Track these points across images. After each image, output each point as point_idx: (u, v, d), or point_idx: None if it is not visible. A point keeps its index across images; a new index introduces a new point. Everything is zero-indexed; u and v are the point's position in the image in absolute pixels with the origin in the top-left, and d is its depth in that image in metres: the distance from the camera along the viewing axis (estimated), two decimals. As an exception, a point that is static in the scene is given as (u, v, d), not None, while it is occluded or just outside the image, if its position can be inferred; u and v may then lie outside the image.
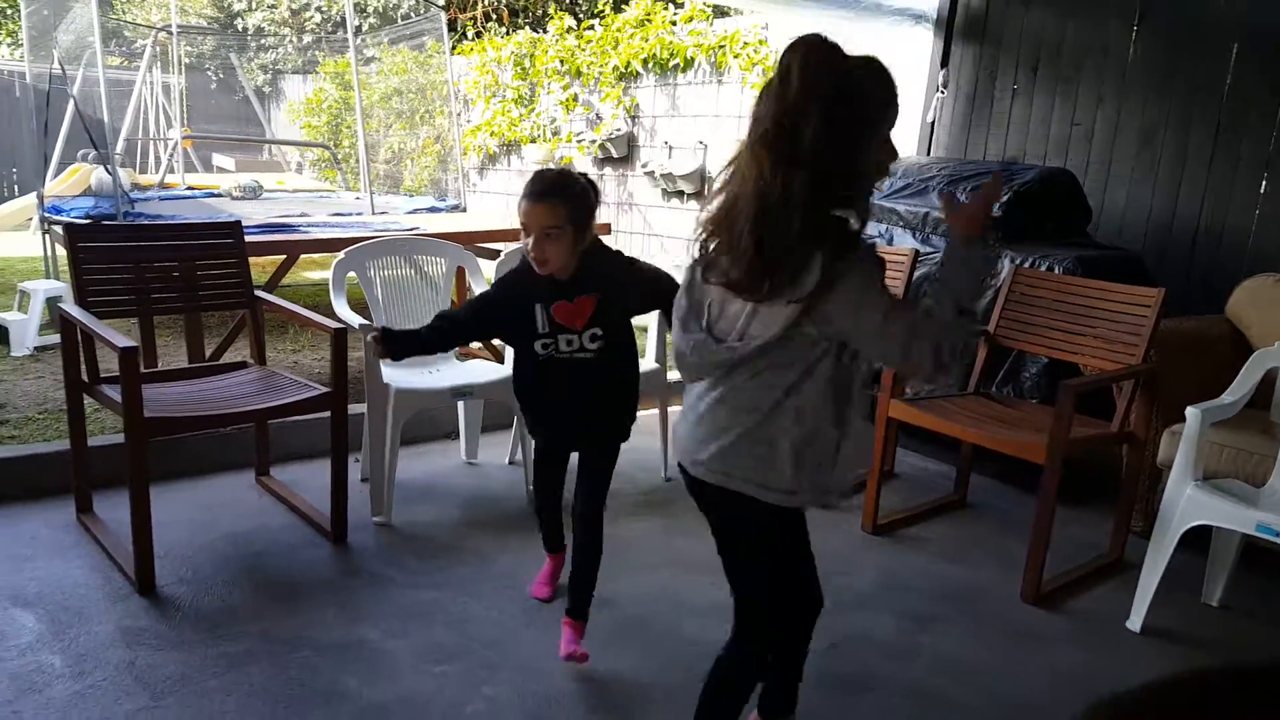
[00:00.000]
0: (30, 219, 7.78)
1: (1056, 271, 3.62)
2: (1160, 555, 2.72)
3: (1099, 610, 2.92)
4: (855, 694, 2.41)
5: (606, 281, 2.30)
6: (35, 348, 4.78)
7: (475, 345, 4.96)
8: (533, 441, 2.70)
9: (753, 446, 1.66)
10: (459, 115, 8.60)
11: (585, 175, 2.31)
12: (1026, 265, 3.70)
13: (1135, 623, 2.79)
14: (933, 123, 5.16)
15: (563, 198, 2.18)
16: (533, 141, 8.27)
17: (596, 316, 2.28)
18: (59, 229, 5.05)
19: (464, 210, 6.80)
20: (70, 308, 2.96)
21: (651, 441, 3.86)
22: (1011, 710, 2.39)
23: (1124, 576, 3.08)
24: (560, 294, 2.27)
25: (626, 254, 2.44)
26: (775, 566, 1.84)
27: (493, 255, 4.93)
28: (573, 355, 2.29)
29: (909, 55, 5.34)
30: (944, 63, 5.08)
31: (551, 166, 2.38)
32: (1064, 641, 2.73)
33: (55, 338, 4.76)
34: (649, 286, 2.36)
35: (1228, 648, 2.75)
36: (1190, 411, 2.72)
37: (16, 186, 11.05)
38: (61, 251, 5.31)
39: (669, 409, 3.78)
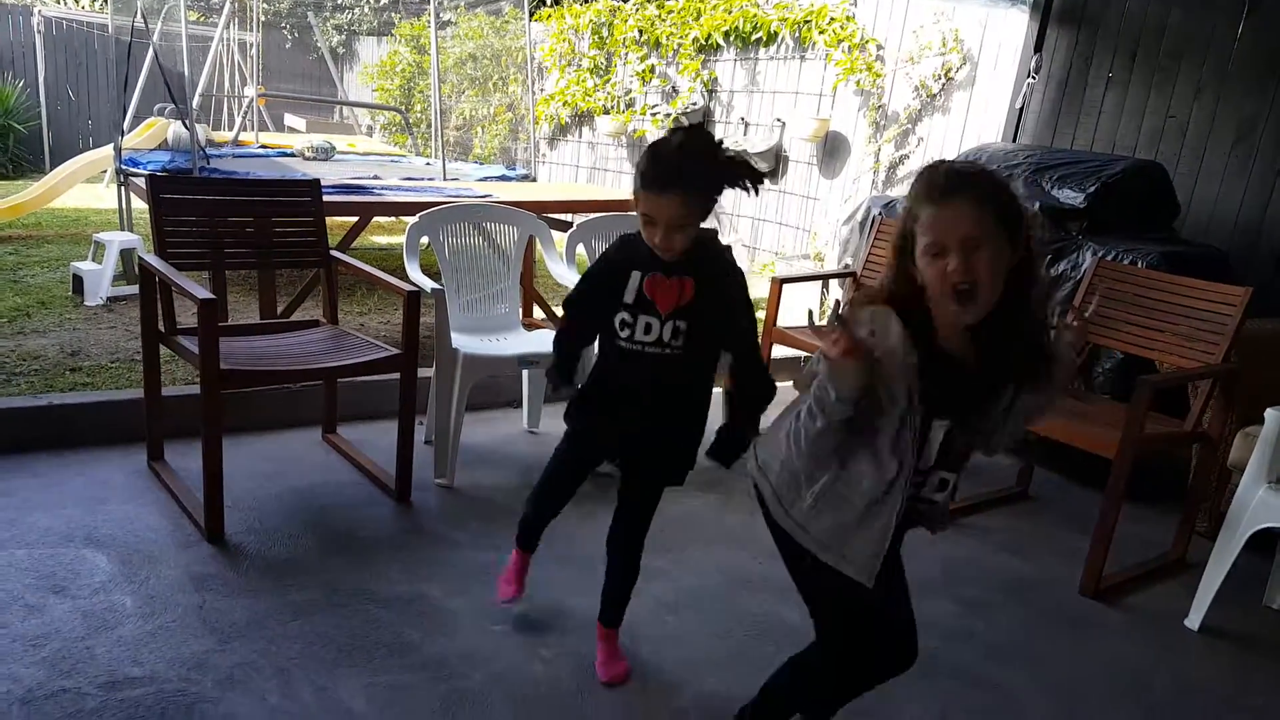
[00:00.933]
0: (104, 171, 7.92)
1: (1140, 266, 3.52)
2: (1225, 556, 2.72)
3: (1158, 607, 2.91)
4: (910, 674, 2.38)
5: (708, 272, 2.03)
6: (108, 298, 4.87)
7: (539, 316, 4.97)
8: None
9: (777, 448, 1.74)
10: (533, 84, 8.58)
11: (700, 132, 1.97)
12: (1110, 258, 3.61)
13: (1194, 621, 2.79)
14: (1021, 109, 5.03)
15: (690, 187, 1.92)
16: (606, 113, 8.21)
17: (688, 308, 2.01)
18: (138, 181, 5.15)
19: (534, 180, 6.79)
20: (150, 258, 3.01)
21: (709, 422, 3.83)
22: (1063, 699, 2.39)
23: (1186, 576, 3.07)
24: (659, 265, 2.01)
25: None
26: (823, 594, 1.78)
27: (563, 227, 4.93)
28: (645, 349, 2.02)
29: (1003, 38, 5.22)
30: (1038, 47, 4.94)
31: (671, 137, 2.04)
32: (1120, 635, 2.73)
33: (128, 289, 4.87)
34: (734, 314, 2.07)
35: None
36: (1270, 413, 2.70)
37: (91, 139, 11.29)
38: (137, 204, 5.41)
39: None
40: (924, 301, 1.56)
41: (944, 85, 5.55)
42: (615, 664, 2.29)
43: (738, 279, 2.09)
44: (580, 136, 8.86)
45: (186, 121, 5.53)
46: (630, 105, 8.04)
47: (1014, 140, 5.05)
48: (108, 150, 6.49)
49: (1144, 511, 3.51)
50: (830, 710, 1.97)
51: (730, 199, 7.25)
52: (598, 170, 8.68)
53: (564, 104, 8.65)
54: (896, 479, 1.60)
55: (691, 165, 1.93)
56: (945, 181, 1.52)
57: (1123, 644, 2.67)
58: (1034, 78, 4.95)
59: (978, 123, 5.36)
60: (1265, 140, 4.17)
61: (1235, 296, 3.15)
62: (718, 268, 2.06)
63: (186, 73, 6.23)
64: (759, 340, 2.16)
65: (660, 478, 2.23)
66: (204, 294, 2.58)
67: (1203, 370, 3.10)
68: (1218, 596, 2.74)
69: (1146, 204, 4.01)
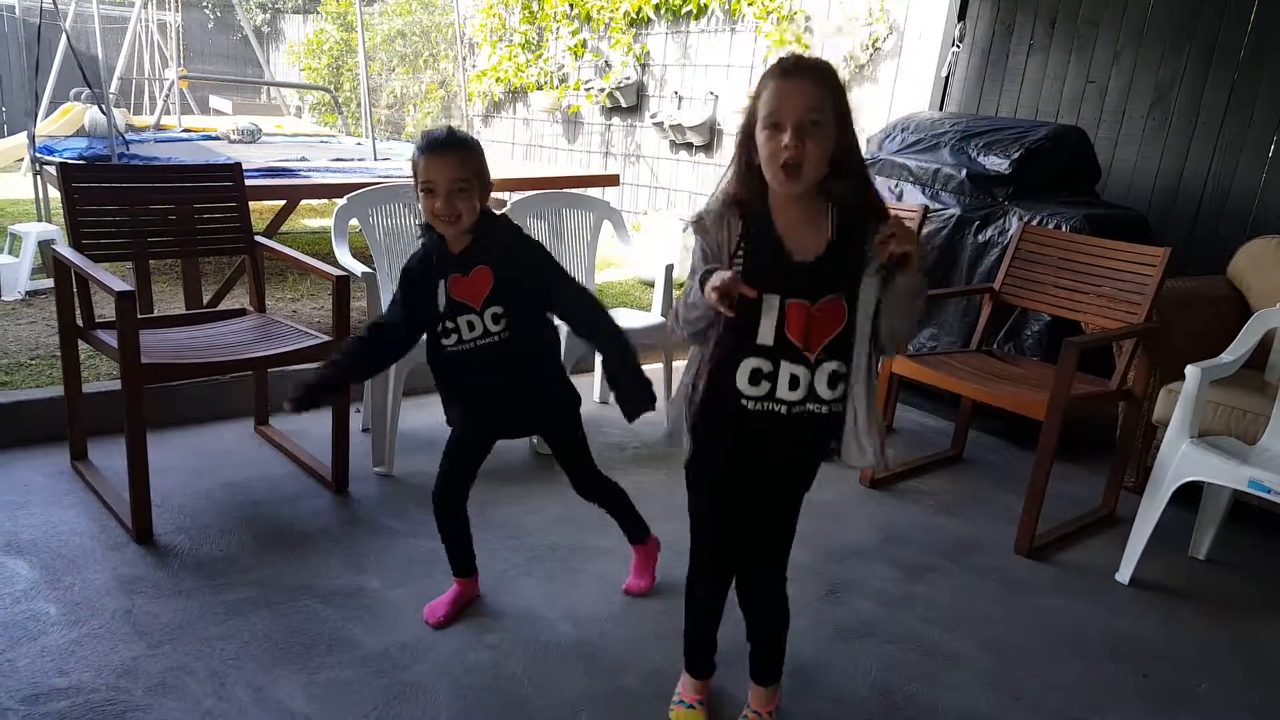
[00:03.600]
0: (20, 160, 7.63)
1: (1064, 229, 3.59)
2: (1152, 510, 2.79)
3: (1090, 562, 2.98)
4: (851, 640, 2.45)
5: (502, 254, 2.12)
6: (27, 292, 4.71)
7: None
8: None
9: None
10: (464, 60, 8.43)
11: None
12: (1035, 223, 3.67)
13: (1124, 575, 2.87)
14: (947, 77, 5.08)
15: (469, 149, 2.06)
16: (539, 88, 8.12)
17: (496, 293, 2.09)
18: (52, 169, 4.97)
19: (466, 158, 6.68)
20: (64, 250, 2.90)
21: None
22: (1002, 657, 2.43)
23: (1115, 531, 3.15)
24: (454, 267, 2.10)
25: (528, 234, 2.24)
26: (692, 502, 1.98)
27: (498, 206, 4.86)
28: (477, 343, 2.11)
29: (927, 7, 5.24)
30: (961, 15, 4.99)
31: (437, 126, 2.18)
32: (1054, 592, 2.80)
33: (48, 282, 4.70)
34: (550, 282, 2.16)
35: (1211, 600, 2.82)
36: (1190, 370, 2.77)
37: (5, 126, 10.84)
38: (54, 193, 5.22)
39: (674, 363, 3.76)
40: (763, 188, 1.70)
41: (871, 55, 5.58)
42: (640, 578, 2.59)
43: (531, 247, 2.18)
44: (515, 113, 8.75)
45: (103, 106, 5.34)
46: (563, 80, 7.95)
47: (940, 108, 5.10)
48: (22, 138, 6.25)
49: (1074, 469, 3.60)
50: (756, 671, 2.07)
51: (667, 173, 7.24)
52: (533, 147, 8.59)
53: (497, 80, 8.52)
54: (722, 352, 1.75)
55: (463, 134, 2.10)
56: (794, 63, 1.64)
57: (1057, 601, 2.74)
58: (958, 46, 5.00)
59: (905, 92, 5.40)
60: (1180, 103, 4.26)
61: (1155, 257, 3.22)
62: (508, 243, 2.15)
63: (100, 55, 6.02)
64: (584, 288, 2.23)
65: (563, 431, 2.36)
66: (120, 286, 2.50)
67: (1126, 330, 3.17)
68: (1146, 550, 2.81)
69: (1069, 168, 4.08)
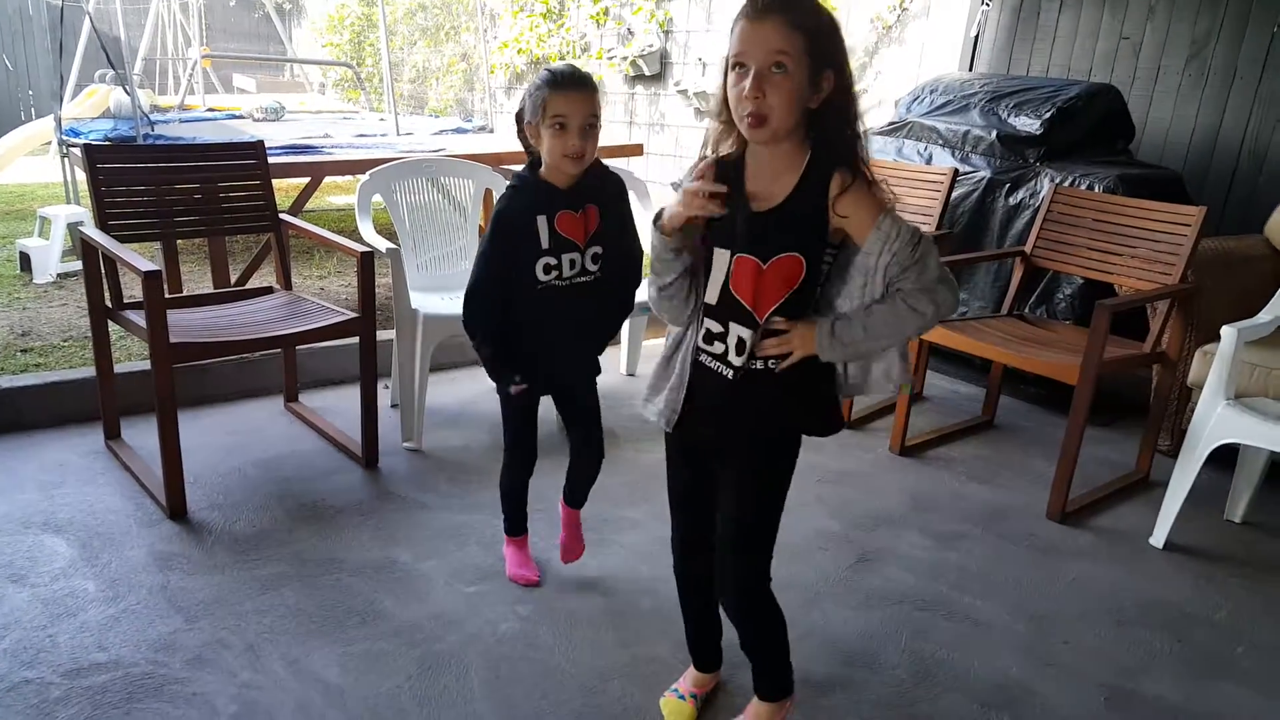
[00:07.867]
0: (48, 143, 7.68)
1: (1097, 190, 3.52)
2: (1187, 473, 2.75)
3: (1123, 527, 2.95)
4: (883, 608, 2.44)
5: (604, 195, 2.16)
6: (58, 274, 4.76)
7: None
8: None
9: None
10: (486, 31, 8.38)
11: None
12: (1067, 184, 3.60)
13: (1159, 539, 2.83)
14: (976, 36, 4.97)
15: (596, 88, 2.06)
16: (562, 58, 8.06)
17: (599, 233, 2.14)
18: (78, 152, 5.01)
19: (491, 131, 6.67)
20: (91, 231, 2.92)
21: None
22: (1034, 623, 2.41)
23: (1149, 495, 3.12)
24: (563, 204, 2.09)
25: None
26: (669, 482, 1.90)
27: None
28: (573, 280, 2.12)
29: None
30: (990, -28, 4.87)
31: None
32: (1087, 557, 2.76)
33: (78, 264, 4.73)
34: (627, 235, 2.21)
35: (1247, 563, 2.78)
36: (1226, 330, 2.72)
37: (33, 109, 10.91)
38: (81, 175, 5.26)
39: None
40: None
41: (899, 17, 5.47)
42: (575, 546, 2.47)
43: (615, 178, 2.21)
44: (536, 84, 8.69)
45: (127, 87, 5.36)
46: (586, 50, 7.89)
47: (970, 69, 5.00)
48: (49, 121, 6.28)
49: (1107, 433, 3.56)
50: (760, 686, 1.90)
51: (692, 141, 7.17)
52: (556, 118, 8.54)
53: (519, 51, 8.47)
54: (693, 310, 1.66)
55: (586, 72, 2.08)
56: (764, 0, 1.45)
57: (1091, 566, 2.71)
58: (988, 5, 4.89)
59: (934, 53, 5.30)
60: (1217, 58, 4.15)
61: (1190, 216, 3.15)
62: (610, 188, 2.18)
63: (124, 36, 6.02)
64: (636, 243, 2.26)
65: (591, 381, 2.36)
66: (147, 266, 2.51)
67: (1160, 291, 3.11)
68: (1181, 513, 2.78)
69: (1102, 127, 4.00)
